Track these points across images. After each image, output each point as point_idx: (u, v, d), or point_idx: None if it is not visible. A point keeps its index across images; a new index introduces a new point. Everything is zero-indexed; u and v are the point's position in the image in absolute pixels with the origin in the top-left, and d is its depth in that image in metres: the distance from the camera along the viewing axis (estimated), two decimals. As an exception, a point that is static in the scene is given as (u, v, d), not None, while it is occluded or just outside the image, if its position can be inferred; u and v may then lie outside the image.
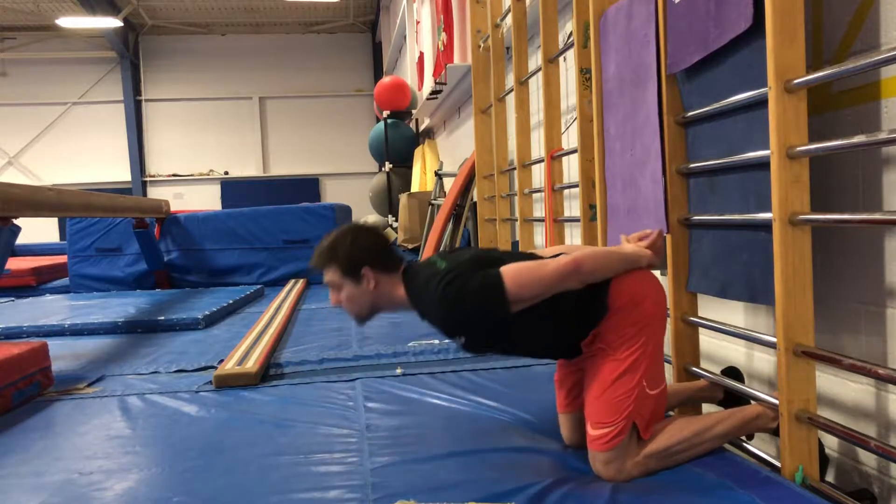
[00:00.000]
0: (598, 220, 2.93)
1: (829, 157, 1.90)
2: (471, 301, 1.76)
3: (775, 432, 1.86)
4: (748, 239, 2.00)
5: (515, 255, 1.96)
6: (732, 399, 2.16)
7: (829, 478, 1.93)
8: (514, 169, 4.41)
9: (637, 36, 2.49)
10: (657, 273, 2.56)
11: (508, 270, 1.76)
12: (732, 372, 2.21)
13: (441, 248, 5.57)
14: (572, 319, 1.85)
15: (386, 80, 11.00)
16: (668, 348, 2.48)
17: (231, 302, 5.09)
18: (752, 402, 2.00)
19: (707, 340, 2.57)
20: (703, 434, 1.85)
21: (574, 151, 3.32)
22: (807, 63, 1.74)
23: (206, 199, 16.20)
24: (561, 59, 3.80)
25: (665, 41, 2.31)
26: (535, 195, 4.42)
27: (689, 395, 2.21)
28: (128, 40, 16.22)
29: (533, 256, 1.93)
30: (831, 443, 1.95)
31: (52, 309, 5.15)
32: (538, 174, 4.31)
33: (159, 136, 16.83)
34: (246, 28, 16.86)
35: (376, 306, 1.96)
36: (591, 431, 1.81)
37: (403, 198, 8.76)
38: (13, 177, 15.27)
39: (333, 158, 17.07)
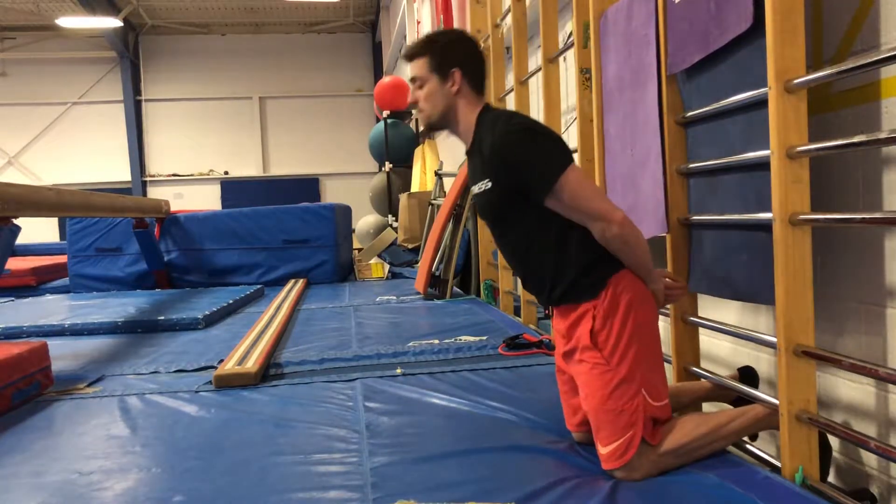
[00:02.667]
0: (598, 220, 2.93)
1: (829, 157, 1.90)
2: (533, 152, 1.75)
3: None
4: (748, 239, 2.00)
5: None
6: (744, 398, 2.15)
7: (830, 478, 1.92)
8: (514, 169, 4.41)
9: (637, 36, 2.49)
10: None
11: (577, 170, 1.77)
12: (747, 371, 2.20)
13: (442, 247, 5.57)
14: (580, 258, 1.82)
15: (386, 80, 11.00)
16: (668, 348, 2.48)
17: (231, 302, 5.08)
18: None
19: (707, 340, 2.57)
20: (718, 431, 1.84)
21: (574, 152, 3.32)
22: (807, 63, 1.74)
23: (206, 199, 16.22)
24: (561, 59, 3.80)
25: (665, 41, 2.31)
26: (535, 195, 4.42)
27: (698, 397, 2.21)
28: (128, 40, 16.23)
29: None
30: (831, 443, 1.95)
31: (52, 309, 5.15)
32: (538, 174, 4.30)
33: (159, 135, 16.84)
34: (246, 28, 16.87)
35: (448, 114, 1.93)
36: (602, 450, 1.79)
37: (403, 198, 8.76)
38: (13, 177, 15.28)
39: (333, 158, 17.08)
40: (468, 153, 1.95)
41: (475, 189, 1.93)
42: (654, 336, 1.86)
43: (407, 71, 2.02)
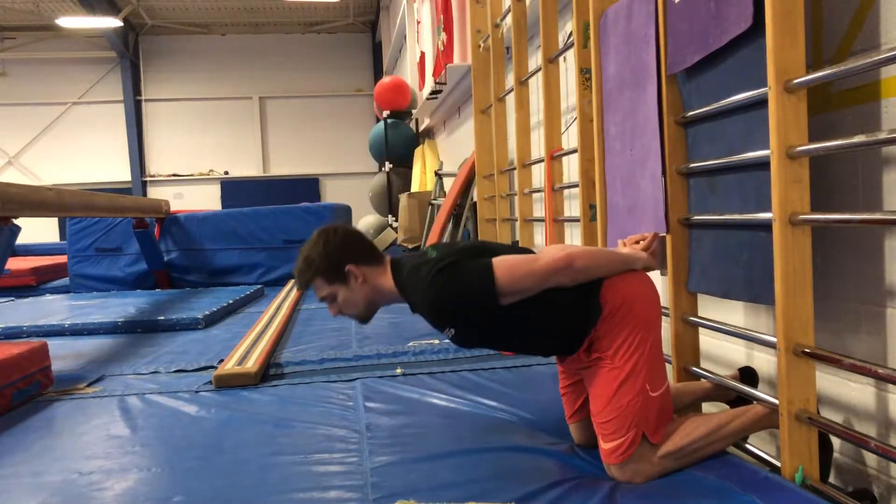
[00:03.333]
0: (598, 219, 2.93)
1: (829, 157, 1.90)
2: (460, 288, 1.75)
3: None
4: (748, 239, 2.00)
5: (509, 248, 1.96)
6: (744, 398, 2.15)
7: (830, 478, 1.92)
8: (514, 169, 4.41)
9: (637, 36, 2.49)
10: (656, 274, 2.57)
11: (500, 261, 1.76)
12: (748, 371, 2.20)
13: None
14: (565, 320, 1.84)
15: (386, 80, 11.00)
16: (668, 348, 2.48)
17: (231, 302, 5.09)
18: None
19: (707, 340, 2.57)
20: (718, 432, 1.85)
21: (574, 151, 3.32)
22: (807, 63, 1.74)
23: (206, 199, 16.20)
24: (561, 59, 3.80)
25: (665, 41, 2.31)
26: (535, 195, 4.42)
27: (698, 397, 2.21)
28: (128, 40, 16.22)
29: (528, 251, 1.93)
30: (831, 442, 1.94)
31: (52, 309, 5.15)
32: (538, 174, 4.31)
33: (159, 136, 16.84)
34: (246, 28, 16.86)
35: (373, 301, 1.95)
36: (604, 445, 1.80)
37: (403, 198, 8.76)
38: (13, 177, 15.26)
39: (333, 158, 17.07)
40: (411, 308, 1.94)
41: (444, 333, 1.93)
42: (655, 328, 1.87)
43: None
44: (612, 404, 1.78)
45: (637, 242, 1.99)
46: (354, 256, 1.89)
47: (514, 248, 1.94)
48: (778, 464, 1.83)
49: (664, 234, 2.39)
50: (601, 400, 1.81)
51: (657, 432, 1.80)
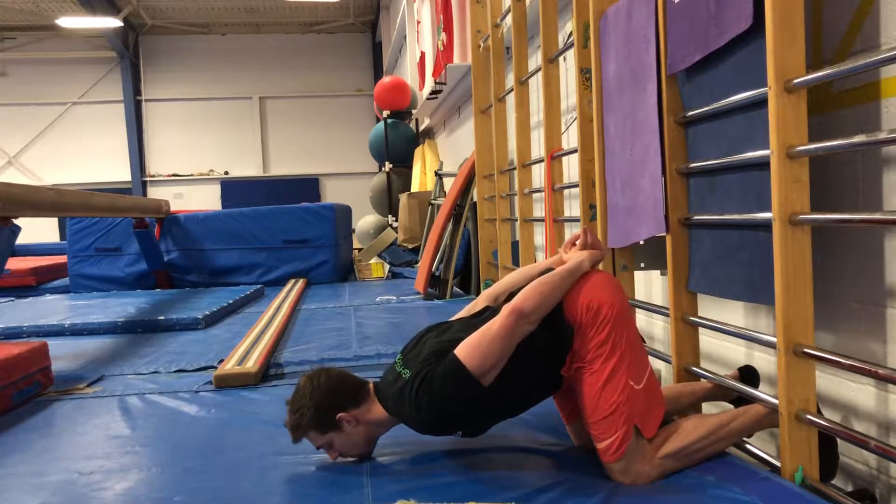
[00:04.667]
0: (597, 219, 2.93)
1: (829, 157, 1.90)
2: (444, 397, 1.76)
3: None
4: (748, 239, 2.00)
5: (468, 323, 1.94)
6: (744, 397, 2.15)
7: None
8: (514, 169, 4.41)
9: (637, 36, 2.49)
10: (656, 274, 2.56)
11: (462, 350, 1.77)
12: (748, 371, 2.20)
13: (442, 247, 5.57)
14: (545, 356, 1.84)
15: (386, 80, 11.00)
16: (668, 348, 2.49)
17: (231, 302, 5.09)
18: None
19: (707, 340, 2.57)
20: (719, 432, 1.85)
21: (574, 151, 3.32)
22: (807, 63, 1.74)
23: (206, 199, 16.22)
24: (561, 59, 3.80)
25: (665, 41, 2.30)
26: (535, 195, 4.42)
27: (698, 397, 2.21)
28: (128, 40, 16.23)
29: (484, 315, 1.93)
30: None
31: (52, 309, 5.15)
32: (538, 174, 4.31)
33: (159, 136, 16.84)
34: (246, 28, 16.87)
35: (371, 437, 1.96)
36: (598, 445, 1.80)
37: (403, 198, 8.76)
38: (13, 177, 15.27)
39: (333, 158, 17.07)
40: (409, 426, 1.94)
41: (456, 436, 1.95)
42: (626, 322, 1.85)
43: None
44: (599, 407, 1.78)
45: (573, 245, 1.98)
46: (343, 402, 1.89)
47: (471, 321, 1.94)
48: (778, 464, 1.83)
49: (664, 234, 2.39)
50: (588, 406, 1.81)
51: (649, 423, 1.80)
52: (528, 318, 1.77)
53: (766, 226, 1.85)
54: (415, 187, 9.98)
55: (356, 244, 9.66)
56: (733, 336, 2.26)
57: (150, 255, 6.51)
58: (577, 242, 1.98)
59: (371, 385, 1.96)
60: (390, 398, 1.87)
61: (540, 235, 4.37)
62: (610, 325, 1.80)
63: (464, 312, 2.11)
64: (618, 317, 1.82)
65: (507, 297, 1.94)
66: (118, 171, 16.51)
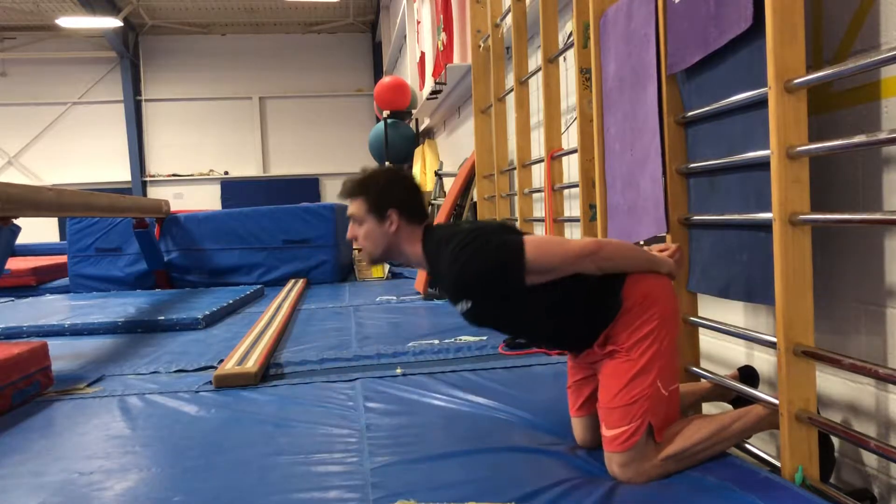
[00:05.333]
0: (597, 219, 2.93)
1: (829, 157, 1.90)
2: (488, 259, 1.75)
3: None
4: (748, 239, 2.00)
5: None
6: (744, 398, 2.15)
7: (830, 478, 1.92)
8: (514, 169, 4.41)
9: (637, 36, 2.49)
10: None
11: (531, 239, 1.77)
12: (748, 371, 2.20)
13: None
14: (584, 311, 1.84)
15: (386, 80, 11.00)
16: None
17: (231, 302, 5.09)
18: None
19: (707, 340, 2.57)
20: (720, 434, 1.85)
21: (574, 151, 3.33)
22: (807, 63, 1.74)
23: (206, 199, 16.20)
24: (561, 59, 3.80)
25: (665, 41, 2.31)
26: (535, 195, 4.42)
27: (698, 397, 2.21)
28: (128, 40, 16.22)
29: None
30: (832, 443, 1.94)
31: (52, 309, 5.15)
32: (538, 174, 4.31)
33: (159, 136, 16.84)
34: (246, 28, 16.86)
35: (390, 251, 1.94)
36: (607, 432, 1.80)
37: (403, 198, 8.74)
38: (13, 177, 15.26)
39: (333, 158, 17.06)
40: (429, 273, 1.95)
41: (457, 307, 1.94)
42: (672, 327, 1.87)
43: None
44: (621, 394, 1.78)
45: (662, 251, 1.99)
46: (402, 206, 1.90)
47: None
48: (778, 464, 1.83)
49: (664, 234, 2.39)
50: (612, 389, 1.81)
51: (662, 431, 1.80)
52: (599, 258, 1.77)
53: (766, 226, 1.85)
54: (415, 187, 9.96)
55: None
56: (733, 336, 2.26)
57: (150, 255, 6.51)
58: (667, 251, 1.98)
59: (427, 223, 1.95)
60: (436, 239, 1.87)
61: (540, 235, 4.37)
62: (658, 321, 1.81)
63: None
64: (667, 318, 1.84)
65: None
66: (118, 171, 16.50)
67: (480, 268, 1.76)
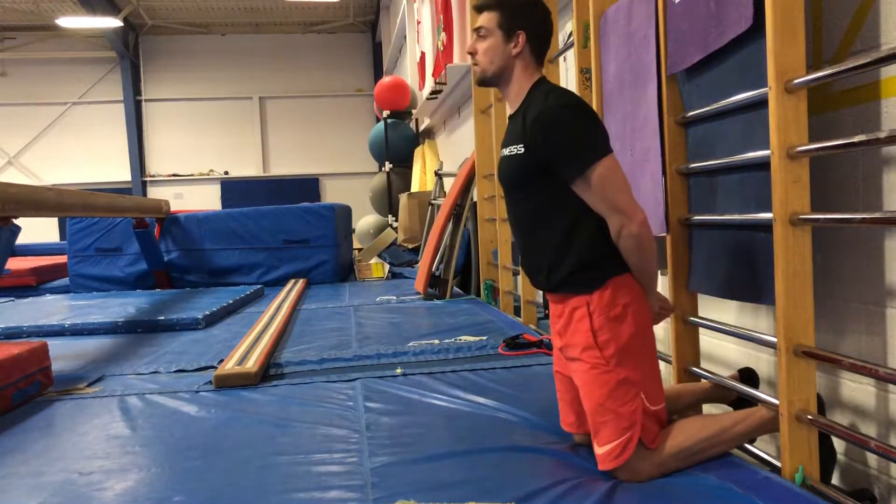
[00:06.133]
0: (598, 220, 2.93)
1: (829, 157, 1.90)
2: (581, 125, 1.76)
3: None
4: (748, 239, 2.00)
5: None
6: (744, 399, 2.15)
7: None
8: (514, 169, 4.41)
9: (637, 36, 2.49)
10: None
11: (611, 168, 1.76)
12: (748, 373, 2.20)
13: (442, 247, 5.57)
14: (591, 244, 1.82)
15: (386, 80, 11.00)
16: (668, 348, 2.49)
17: (231, 302, 5.08)
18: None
19: (707, 340, 2.57)
20: (722, 434, 1.84)
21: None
22: (807, 63, 1.74)
23: (206, 199, 16.21)
24: (561, 59, 3.80)
25: (665, 41, 2.31)
26: (535, 195, 4.41)
27: (698, 398, 2.20)
28: (128, 40, 16.22)
29: None
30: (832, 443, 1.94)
31: (52, 309, 5.15)
32: (538, 174, 4.30)
33: (159, 136, 16.84)
34: (246, 28, 16.86)
35: (504, 74, 1.92)
36: (598, 450, 1.79)
37: (403, 198, 8.76)
38: (13, 177, 15.27)
39: (333, 158, 17.07)
40: (511, 116, 1.94)
41: (504, 151, 1.92)
42: (650, 341, 1.86)
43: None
44: (604, 406, 1.77)
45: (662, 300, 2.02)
46: (534, 35, 1.89)
47: None
48: (778, 464, 1.83)
49: (664, 234, 2.39)
50: (595, 400, 1.79)
51: (654, 441, 1.79)
52: (632, 231, 1.76)
53: (766, 226, 1.85)
54: (415, 187, 9.98)
55: (356, 244, 9.66)
56: (733, 336, 2.26)
57: (150, 255, 6.51)
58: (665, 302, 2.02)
59: (542, 70, 1.96)
60: (545, 89, 1.86)
61: (540, 235, 4.36)
62: (635, 329, 1.80)
63: None
64: (643, 329, 1.83)
65: None
66: (118, 171, 16.50)
67: (565, 127, 1.75)
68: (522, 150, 1.83)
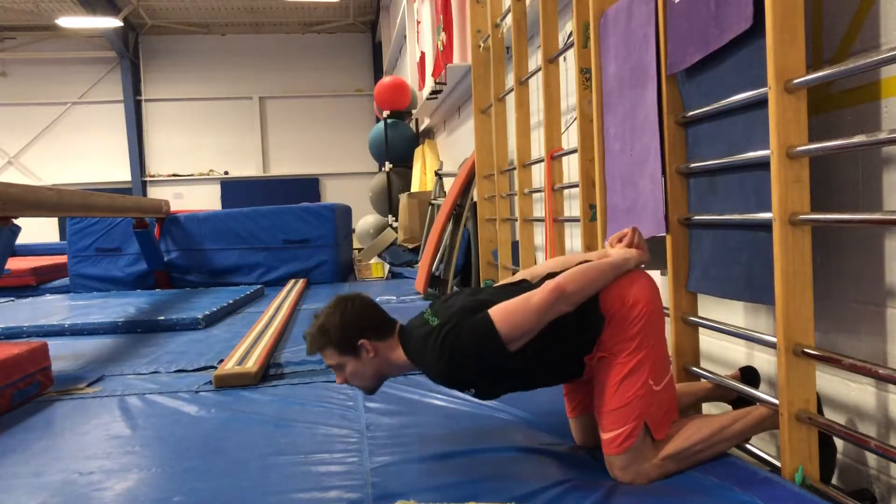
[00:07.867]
0: (597, 220, 2.93)
1: (829, 157, 1.90)
2: (468, 351, 1.76)
3: None
4: (748, 239, 2.00)
5: (504, 289, 1.95)
6: (745, 398, 2.15)
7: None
8: (514, 169, 4.41)
9: (637, 36, 2.49)
10: (656, 274, 2.57)
11: (496, 312, 1.76)
12: (749, 372, 2.20)
13: (442, 247, 5.57)
14: (573, 340, 1.84)
15: (386, 80, 11.01)
16: (668, 348, 2.48)
17: (231, 302, 5.09)
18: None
19: (707, 340, 2.57)
20: (720, 434, 1.85)
21: (574, 151, 3.32)
22: (807, 63, 1.74)
23: (206, 199, 16.21)
24: (561, 59, 3.79)
25: (665, 41, 2.30)
26: (535, 195, 4.42)
27: (698, 398, 2.21)
28: (128, 40, 16.23)
29: (521, 286, 1.92)
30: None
31: (52, 309, 5.15)
32: (538, 174, 4.31)
33: (159, 136, 16.84)
34: (246, 28, 16.87)
35: (381, 374, 1.96)
36: (604, 436, 1.81)
37: (403, 198, 8.76)
38: (13, 177, 15.26)
39: (333, 158, 17.07)
40: (425, 374, 1.94)
41: (467, 394, 1.98)
42: (657, 320, 1.87)
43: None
44: (615, 397, 1.79)
45: (620, 241, 1.98)
46: (368, 331, 1.90)
47: (508, 290, 1.92)
48: (778, 464, 1.83)
49: (664, 235, 2.39)
50: (605, 394, 1.81)
51: (661, 428, 1.80)
52: (569, 298, 1.77)
53: (766, 226, 1.85)
54: (415, 187, 9.97)
55: (356, 244, 9.66)
56: (733, 336, 2.25)
57: (150, 255, 6.51)
58: (624, 240, 1.97)
59: (398, 325, 1.97)
60: (413, 342, 1.88)
61: (540, 235, 4.36)
62: (642, 322, 1.81)
63: (497, 285, 2.12)
64: (650, 316, 1.83)
65: (545, 276, 1.93)
66: (118, 171, 16.51)
67: (463, 362, 1.77)
68: (474, 389, 1.92)
